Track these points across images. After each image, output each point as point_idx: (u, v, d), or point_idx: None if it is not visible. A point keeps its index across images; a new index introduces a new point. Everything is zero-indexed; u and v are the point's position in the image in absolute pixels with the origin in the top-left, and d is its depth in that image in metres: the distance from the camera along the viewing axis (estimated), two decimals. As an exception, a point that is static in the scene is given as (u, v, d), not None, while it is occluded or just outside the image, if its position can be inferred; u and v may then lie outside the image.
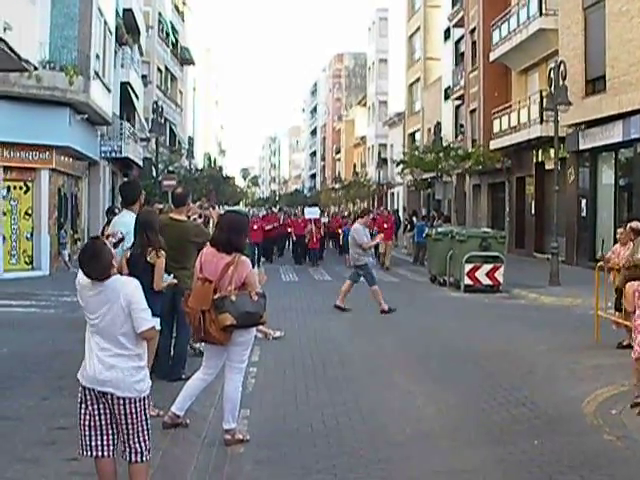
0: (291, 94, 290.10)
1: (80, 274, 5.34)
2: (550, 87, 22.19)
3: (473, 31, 40.44)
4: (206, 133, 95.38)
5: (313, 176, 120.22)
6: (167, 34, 54.42)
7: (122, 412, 5.23)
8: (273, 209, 46.18)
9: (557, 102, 21.38)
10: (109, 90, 29.46)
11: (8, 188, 23.57)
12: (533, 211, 32.91)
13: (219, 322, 6.92)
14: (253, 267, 7.57)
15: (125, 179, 34.09)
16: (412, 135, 57.27)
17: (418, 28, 55.73)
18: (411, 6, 58.12)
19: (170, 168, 45.11)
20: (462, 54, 43.50)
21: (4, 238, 23.23)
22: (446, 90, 46.82)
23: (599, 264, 13.58)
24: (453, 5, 45.02)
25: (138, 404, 5.27)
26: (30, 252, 24.12)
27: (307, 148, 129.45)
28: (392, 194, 63.95)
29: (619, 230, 13.66)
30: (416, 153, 43.45)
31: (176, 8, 59.48)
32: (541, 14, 29.68)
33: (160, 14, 51.15)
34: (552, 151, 24.21)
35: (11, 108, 22.18)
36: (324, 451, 7.11)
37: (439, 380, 10.17)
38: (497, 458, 6.98)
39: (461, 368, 10.88)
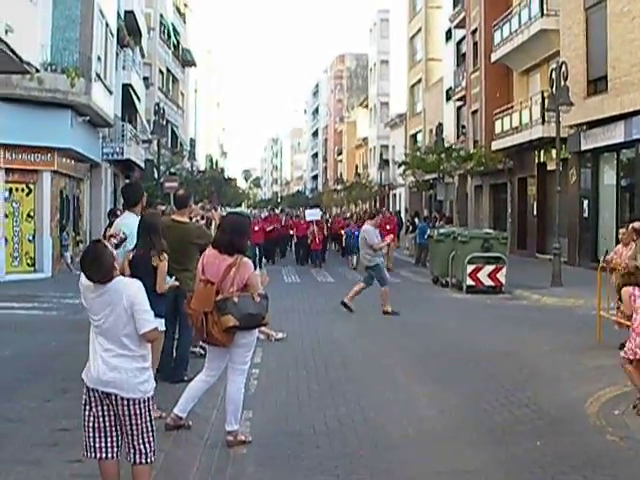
0: (293, 95, 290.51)
1: (83, 276, 5.35)
2: (552, 88, 22.19)
3: (474, 32, 40.44)
4: (208, 135, 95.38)
5: (315, 177, 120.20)
6: (169, 36, 54.42)
7: (126, 413, 5.23)
8: (275, 210, 46.11)
9: (559, 103, 21.37)
10: (111, 92, 29.48)
11: (10, 190, 23.60)
12: (535, 212, 32.89)
13: (221, 324, 6.92)
14: (255, 269, 7.57)
15: (127, 181, 34.09)
16: (414, 136, 57.26)
17: (419, 29, 55.72)
18: (412, 7, 58.12)
19: (172, 170, 45.11)
20: (464, 55, 43.50)
21: (6, 240, 23.24)
22: (448, 91, 46.82)
23: (601, 265, 13.58)
24: (454, 6, 45.02)
25: (142, 405, 5.27)
26: (32, 254, 24.14)
27: (309, 149, 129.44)
28: (394, 195, 63.95)
29: (621, 230, 13.67)
30: (418, 154, 43.44)
31: (177, 10, 59.47)
32: (542, 15, 29.67)
33: (161, 16, 51.14)
34: (554, 152, 24.20)
35: (13, 110, 22.21)
36: (326, 452, 7.11)
37: (441, 381, 10.17)
38: (499, 459, 6.98)
39: (463, 369, 10.87)
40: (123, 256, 7.82)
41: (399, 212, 50.02)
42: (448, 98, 46.91)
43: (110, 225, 12.45)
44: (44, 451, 6.81)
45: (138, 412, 5.25)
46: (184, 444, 7.19)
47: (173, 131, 55.55)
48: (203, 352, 9.64)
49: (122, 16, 33.58)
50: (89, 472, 5.83)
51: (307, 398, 9.18)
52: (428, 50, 54.27)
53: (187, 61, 62.98)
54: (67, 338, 12.32)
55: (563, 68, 21.55)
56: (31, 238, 24.08)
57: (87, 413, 5.31)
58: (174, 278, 8.10)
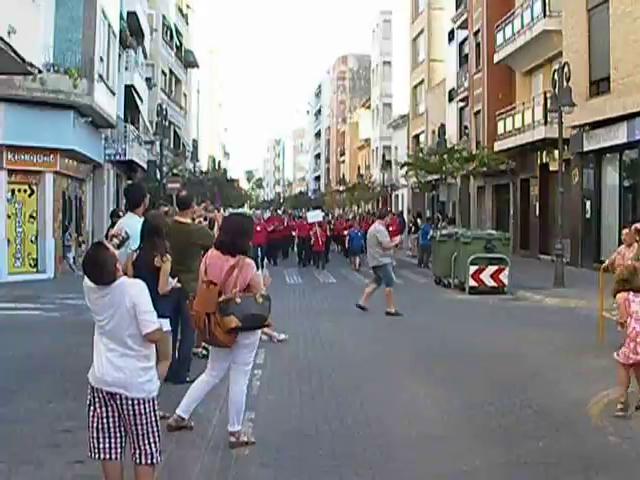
0: (295, 96, 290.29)
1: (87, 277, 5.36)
2: (554, 88, 22.17)
3: (477, 33, 40.46)
4: (210, 135, 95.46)
5: (317, 178, 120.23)
6: (171, 37, 54.48)
7: (131, 413, 5.23)
8: (278, 211, 46.12)
9: (561, 103, 21.36)
10: (113, 93, 29.50)
11: (13, 191, 23.62)
12: (537, 213, 32.87)
13: (224, 325, 6.92)
14: (257, 269, 7.57)
15: (129, 182, 34.10)
16: (416, 137, 57.26)
17: (422, 30, 55.73)
18: (415, 8, 58.11)
19: (174, 171, 45.15)
20: (466, 56, 43.50)
21: (9, 241, 23.26)
22: (450, 92, 46.81)
23: (603, 265, 13.57)
24: (457, 7, 45.01)
25: (147, 405, 5.28)
26: (35, 255, 24.16)
27: (311, 150, 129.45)
28: (396, 196, 63.95)
29: (624, 231, 13.62)
30: (420, 155, 43.45)
31: (180, 11, 59.51)
32: (545, 15, 29.65)
33: (164, 17, 51.17)
34: (556, 152, 24.19)
35: (15, 111, 22.23)
36: (329, 453, 7.10)
37: (444, 382, 10.16)
38: (502, 460, 6.98)
39: (465, 369, 10.86)
40: (125, 256, 7.84)
41: (402, 213, 49.99)
42: (451, 99, 46.91)
43: (112, 226, 12.46)
44: (46, 452, 6.83)
45: (143, 412, 5.26)
46: (187, 445, 7.20)
47: (175, 132, 55.61)
48: (205, 353, 9.65)
49: (124, 17, 33.59)
50: (91, 473, 5.84)
51: (309, 399, 9.18)
52: (431, 51, 54.27)
53: (189, 62, 63.03)
54: (69, 339, 12.34)
55: (565, 69, 21.55)
56: (33, 239, 24.10)
57: (91, 414, 5.32)
58: (177, 279, 8.11)
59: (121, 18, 32.19)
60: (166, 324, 7.81)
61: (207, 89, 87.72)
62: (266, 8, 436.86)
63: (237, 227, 7.43)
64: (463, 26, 43.63)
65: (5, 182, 23.12)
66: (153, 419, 5.32)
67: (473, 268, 20.48)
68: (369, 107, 78.04)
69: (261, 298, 7.08)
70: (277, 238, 32.90)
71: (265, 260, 30.75)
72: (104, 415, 5.28)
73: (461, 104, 45.02)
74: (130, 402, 5.22)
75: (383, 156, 68.04)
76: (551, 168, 30.57)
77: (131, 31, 35.31)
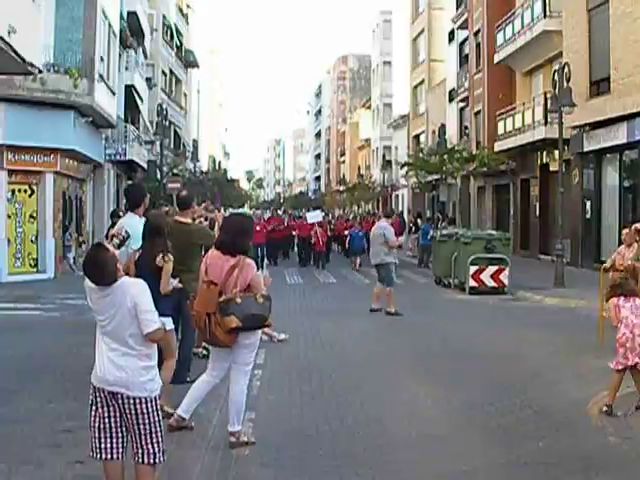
0: (295, 96, 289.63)
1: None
2: (554, 89, 22.17)
3: (477, 33, 40.46)
4: (210, 135, 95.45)
5: (318, 178, 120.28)
6: (171, 37, 54.48)
7: (133, 412, 5.24)
8: (278, 211, 46.13)
9: (561, 104, 21.36)
10: (113, 93, 29.50)
11: (13, 191, 23.62)
12: (538, 213, 32.86)
13: (224, 325, 6.93)
14: (257, 270, 7.57)
15: (129, 182, 34.11)
16: (416, 137, 57.27)
17: (422, 30, 55.73)
18: (415, 8, 58.11)
19: (175, 171, 45.15)
20: (466, 56, 43.50)
21: (9, 241, 23.26)
22: (450, 92, 46.81)
23: (604, 266, 13.57)
24: (457, 7, 45.01)
25: (149, 404, 5.28)
26: (35, 255, 24.16)
27: (312, 150, 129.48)
28: (397, 196, 63.95)
29: (624, 231, 13.64)
30: (420, 155, 43.45)
31: (180, 11, 59.51)
32: (545, 16, 29.65)
33: (164, 17, 51.17)
34: (556, 153, 24.19)
35: (16, 111, 22.24)
36: (329, 453, 7.10)
37: (444, 382, 10.17)
38: (502, 460, 6.98)
39: (466, 370, 10.87)
40: (126, 255, 7.84)
41: (402, 213, 49.98)
42: (451, 99, 46.90)
43: (113, 226, 12.47)
44: (46, 452, 6.83)
45: (145, 411, 5.26)
46: (187, 445, 7.20)
47: (176, 132, 55.63)
48: (206, 353, 9.67)
49: (125, 17, 33.60)
50: (92, 473, 5.84)
51: (310, 399, 9.19)
52: (431, 51, 54.28)
53: (190, 62, 63.03)
54: (69, 339, 12.36)
55: (566, 69, 21.56)
56: (34, 239, 24.10)
57: (93, 414, 5.33)
58: (178, 280, 8.11)
59: (121, 18, 32.20)
60: (169, 322, 7.82)
61: (207, 89, 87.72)
62: (266, 8, 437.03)
63: (237, 227, 7.44)
64: (463, 26, 43.63)
65: (5, 182, 23.12)
66: (156, 418, 5.32)
67: (473, 268, 20.48)
68: (369, 107, 78.05)
69: (261, 298, 7.08)
70: (277, 238, 32.88)
71: (265, 260, 30.76)
72: (106, 415, 5.29)
73: (461, 104, 45.01)
74: (132, 401, 5.22)
75: (383, 156, 68.04)
76: (551, 168, 30.58)
77: (131, 31, 35.31)
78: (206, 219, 13.28)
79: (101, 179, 31.54)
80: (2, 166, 22.82)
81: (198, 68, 68.73)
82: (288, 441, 7.48)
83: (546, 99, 28.16)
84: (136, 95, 37.02)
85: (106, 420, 5.29)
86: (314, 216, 31.74)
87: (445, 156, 38.01)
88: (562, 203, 22.72)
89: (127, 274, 5.97)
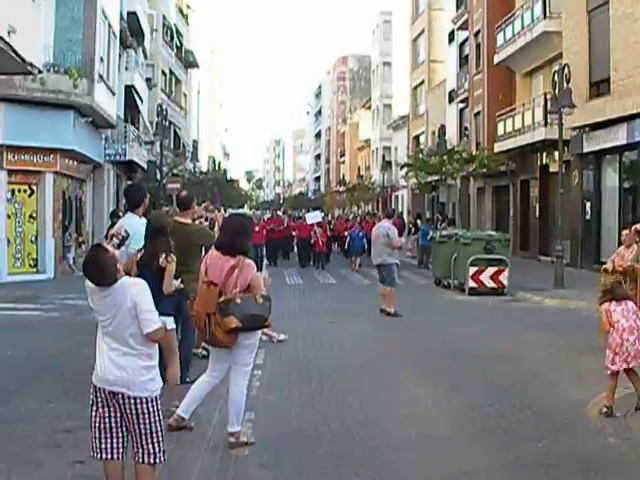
0: (295, 97, 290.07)
1: (88, 278, 5.38)
2: (554, 90, 22.17)
3: (477, 34, 40.47)
4: (210, 136, 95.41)
5: (317, 179, 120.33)
6: (171, 37, 54.47)
7: (134, 412, 5.24)
8: (278, 212, 46.12)
9: (561, 105, 21.37)
10: (113, 93, 29.50)
11: (13, 191, 23.61)
12: (537, 214, 32.87)
13: (224, 325, 6.93)
14: (257, 271, 7.57)
15: (129, 182, 34.10)
16: (416, 138, 57.29)
17: (422, 31, 55.76)
18: (415, 9, 58.14)
19: (174, 171, 45.15)
20: (466, 57, 43.52)
21: (8, 241, 23.25)
22: (450, 93, 46.83)
23: (603, 267, 13.57)
24: (457, 8, 45.03)
25: (150, 404, 5.28)
26: (35, 255, 24.15)
27: (311, 151, 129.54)
28: (396, 197, 63.98)
29: (624, 232, 13.64)
30: (420, 156, 43.45)
31: (180, 11, 59.50)
32: (545, 17, 29.66)
33: (164, 17, 51.15)
34: (556, 154, 24.19)
35: (15, 111, 22.23)
36: (329, 454, 7.11)
37: (443, 382, 10.17)
38: (502, 461, 6.98)
39: (465, 370, 10.87)
40: (126, 255, 7.84)
41: (401, 214, 49.99)
42: (451, 100, 46.92)
43: (112, 226, 12.46)
44: (46, 452, 6.83)
45: (146, 411, 5.26)
46: (186, 445, 7.20)
47: (175, 132, 55.61)
48: (205, 353, 9.67)
49: (125, 17, 33.59)
50: (91, 473, 5.84)
51: (309, 399, 9.19)
52: (431, 52, 54.31)
53: (190, 62, 63.03)
54: (69, 339, 12.36)
55: (566, 70, 21.56)
56: (33, 239, 24.09)
57: (94, 414, 5.33)
58: (180, 280, 8.11)
59: (121, 18, 32.20)
60: (170, 322, 7.82)
61: (207, 89, 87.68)
62: (266, 8, 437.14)
63: (237, 227, 7.44)
64: (463, 27, 43.65)
65: (5, 182, 23.11)
66: (156, 418, 5.32)
67: (473, 269, 20.48)
68: (369, 108, 78.07)
69: (261, 299, 7.08)
70: (277, 239, 32.89)
71: (265, 261, 30.73)
72: (106, 415, 5.29)
73: (461, 105, 45.02)
74: (132, 401, 5.22)
75: (383, 157, 68.06)
76: (551, 169, 30.58)
77: (131, 31, 35.31)
78: (206, 219, 13.27)
79: (101, 179, 31.53)
80: (2, 166, 22.80)
81: (198, 68, 68.73)
82: (287, 441, 7.48)
83: (546, 100, 28.17)
84: (136, 95, 37.00)
85: (106, 420, 5.29)
86: (313, 216, 31.71)
87: (445, 157, 38.02)
88: (562, 204, 22.73)
89: (127, 274, 5.97)
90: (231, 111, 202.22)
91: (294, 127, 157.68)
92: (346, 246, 33.00)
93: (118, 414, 5.28)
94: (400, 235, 24.91)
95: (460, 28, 44.54)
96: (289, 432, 7.81)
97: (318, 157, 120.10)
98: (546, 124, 28.64)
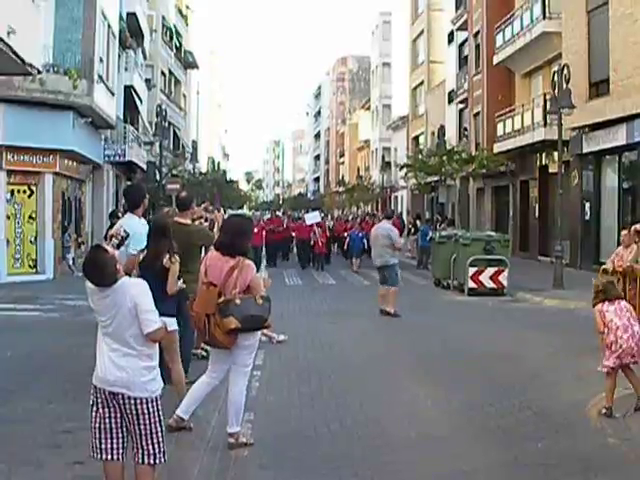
0: (295, 97, 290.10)
1: (88, 279, 5.38)
2: (554, 90, 22.18)
3: (477, 34, 40.48)
4: (210, 136, 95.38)
5: (317, 179, 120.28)
6: (171, 38, 54.43)
7: (134, 412, 5.24)
8: (277, 213, 46.11)
9: (561, 105, 21.37)
10: (113, 94, 29.49)
11: (12, 192, 23.60)
12: (537, 214, 32.88)
13: (224, 326, 6.92)
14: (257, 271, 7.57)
15: (129, 183, 34.08)
16: (416, 138, 57.28)
17: (422, 31, 55.77)
18: (414, 10, 58.15)
19: (174, 172, 45.14)
20: (466, 57, 43.54)
21: (8, 242, 23.24)
22: (450, 93, 46.84)
23: (603, 267, 13.57)
24: (457, 8, 45.05)
25: (150, 404, 5.28)
26: (34, 256, 24.14)
27: (311, 151, 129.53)
28: (396, 198, 63.97)
29: (623, 232, 13.64)
30: (420, 156, 43.43)
31: (180, 12, 59.47)
32: (545, 17, 29.68)
33: (164, 18, 51.12)
34: (556, 154, 24.19)
35: (15, 112, 22.22)
36: (328, 454, 7.11)
37: (443, 383, 10.17)
38: (502, 461, 6.99)
39: (465, 371, 10.87)
40: (125, 255, 7.84)
41: (401, 214, 49.98)
42: (450, 100, 46.93)
43: (112, 227, 12.46)
44: (46, 452, 6.83)
45: (146, 412, 5.26)
46: (186, 446, 7.20)
47: (175, 133, 55.59)
48: (205, 354, 9.66)
49: (124, 18, 33.57)
50: (91, 474, 5.84)
51: (309, 400, 9.19)
52: (430, 52, 54.32)
53: (189, 63, 63.02)
54: (69, 340, 12.35)
55: (565, 71, 21.56)
56: (33, 240, 24.08)
57: (94, 414, 5.33)
58: (182, 281, 8.10)
59: (121, 19, 32.19)
60: (172, 323, 7.82)
61: (207, 90, 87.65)
62: (266, 9, 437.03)
63: (237, 228, 7.44)
64: (463, 27, 43.66)
65: (4, 183, 23.10)
66: (156, 419, 5.32)
67: (472, 270, 20.48)
68: (369, 108, 78.09)
69: (261, 299, 7.08)
70: (277, 239, 32.87)
71: (264, 262, 30.72)
72: (106, 415, 5.29)
73: (461, 106, 45.03)
74: (133, 402, 5.22)
75: (382, 157, 68.05)
76: (550, 170, 30.58)
77: (131, 32, 35.29)
78: (206, 220, 13.27)
79: (100, 180, 31.52)
80: (1, 167, 22.79)
81: (197, 69, 68.71)
82: (287, 442, 7.48)
83: (545, 100, 28.19)
84: (135, 96, 36.99)
85: (107, 420, 5.29)
86: (312, 217, 31.67)
87: (444, 157, 37.99)
88: (561, 204, 22.74)
89: (127, 274, 5.97)
90: (230, 112, 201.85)
91: (293, 128, 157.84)
92: (346, 247, 32.98)
93: (118, 415, 5.28)
94: (399, 235, 24.93)
95: (459, 29, 44.56)
96: (289, 433, 7.81)
97: (317, 158, 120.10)
98: (545, 124, 28.65)
